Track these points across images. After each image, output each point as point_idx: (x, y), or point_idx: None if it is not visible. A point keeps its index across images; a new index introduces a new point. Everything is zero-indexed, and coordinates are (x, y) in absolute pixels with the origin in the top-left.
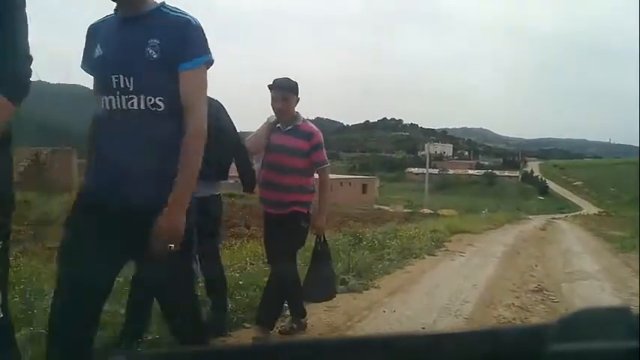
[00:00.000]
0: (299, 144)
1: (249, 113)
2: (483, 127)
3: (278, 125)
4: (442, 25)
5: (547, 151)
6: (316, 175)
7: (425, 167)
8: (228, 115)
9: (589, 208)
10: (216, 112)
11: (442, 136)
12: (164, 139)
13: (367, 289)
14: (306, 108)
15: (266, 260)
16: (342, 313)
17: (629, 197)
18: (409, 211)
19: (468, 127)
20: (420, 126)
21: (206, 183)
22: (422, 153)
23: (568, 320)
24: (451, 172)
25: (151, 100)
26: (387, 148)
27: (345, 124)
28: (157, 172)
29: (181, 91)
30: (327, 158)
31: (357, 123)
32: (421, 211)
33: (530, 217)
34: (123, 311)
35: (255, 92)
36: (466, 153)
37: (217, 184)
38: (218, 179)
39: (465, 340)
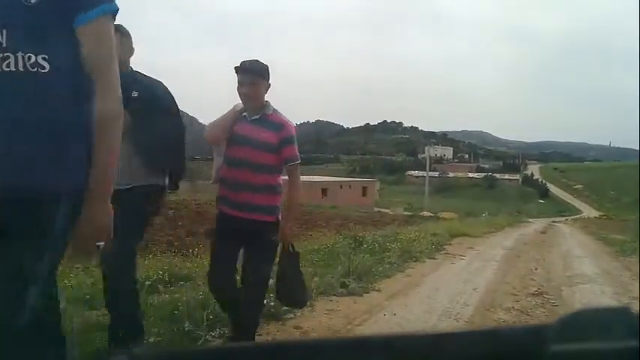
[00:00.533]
0: (266, 136)
1: None
2: (483, 130)
3: (244, 114)
4: (442, 27)
5: (547, 154)
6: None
7: (425, 170)
8: (171, 96)
9: (589, 212)
10: (153, 90)
11: (442, 138)
12: (50, 108)
13: (367, 293)
14: (307, 110)
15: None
16: (343, 316)
17: (629, 200)
18: (409, 213)
19: (469, 129)
20: (420, 129)
21: (134, 170)
22: (422, 156)
23: (568, 320)
24: (451, 175)
25: (31, 58)
26: (387, 150)
27: (345, 126)
28: (41, 149)
29: (83, 52)
30: (298, 154)
31: (358, 125)
32: (421, 214)
33: (530, 220)
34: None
35: None
36: (466, 156)
37: (152, 173)
38: (154, 167)
39: (466, 340)
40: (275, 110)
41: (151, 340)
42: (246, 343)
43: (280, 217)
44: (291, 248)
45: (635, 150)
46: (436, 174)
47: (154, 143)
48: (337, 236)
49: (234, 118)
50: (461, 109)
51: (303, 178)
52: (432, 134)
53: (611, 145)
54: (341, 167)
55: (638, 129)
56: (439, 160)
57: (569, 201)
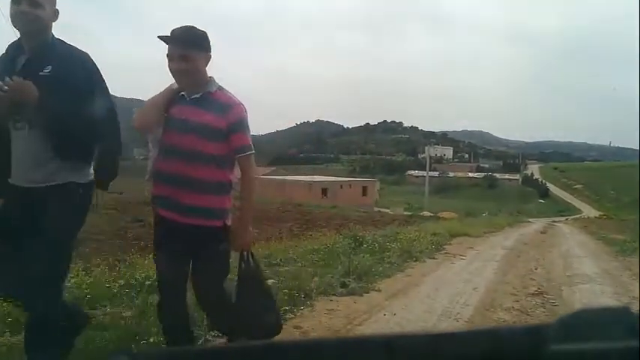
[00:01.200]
0: (209, 119)
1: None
2: (484, 130)
3: (182, 93)
4: (442, 27)
5: (547, 154)
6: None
7: (425, 170)
8: (98, 74)
9: (589, 211)
10: (72, 65)
11: (442, 138)
12: None
13: (367, 292)
14: (307, 110)
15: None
16: (343, 316)
17: (629, 200)
18: (409, 213)
19: (469, 129)
20: (420, 128)
21: (50, 165)
22: (422, 155)
23: (568, 320)
24: (451, 174)
25: None
26: (387, 150)
27: (345, 126)
28: None
29: None
30: (251, 142)
31: (358, 125)
32: (421, 213)
33: (530, 220)
34: (124, 314)
35: (254, 94)
36: (466, 156)
37: (70, 169)
38: (75, 160)
39: (466, 340)
40: (221, 88)
41: (151, 340)
42: (245, 343)
43: (230, 222)
44: (250, 258)
45: (635, 150)
46: (436, 174)
47: (69, 132)
48: (337, 236)
49: (168, 97)
50: (461, 109)
51: (304, 178)
52: (432, 134)
53: (611, 145)
54: (341, 167)
55: (638, 129)
56: (439, 160)
57: (569, 201)
